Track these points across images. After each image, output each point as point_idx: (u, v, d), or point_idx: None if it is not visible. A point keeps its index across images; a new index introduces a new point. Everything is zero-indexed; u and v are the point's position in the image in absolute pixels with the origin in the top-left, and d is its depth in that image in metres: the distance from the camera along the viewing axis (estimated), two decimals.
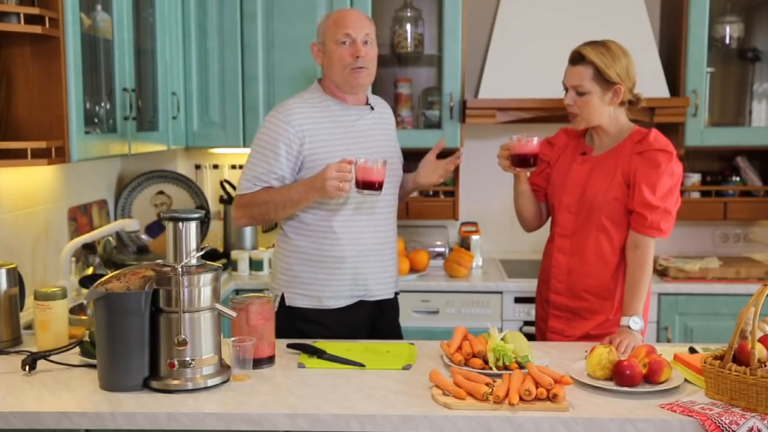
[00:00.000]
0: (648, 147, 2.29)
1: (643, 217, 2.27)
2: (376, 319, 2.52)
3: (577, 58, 2.33)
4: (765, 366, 1.72)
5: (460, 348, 2.03)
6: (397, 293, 2.60)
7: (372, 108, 2.52)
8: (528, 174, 2.45)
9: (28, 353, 2.00)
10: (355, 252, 2.42)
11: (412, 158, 3.75)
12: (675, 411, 1.70)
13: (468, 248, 3.62)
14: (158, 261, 1.92)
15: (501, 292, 3.32)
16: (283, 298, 2.44)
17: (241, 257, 3.46)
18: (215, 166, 3.87)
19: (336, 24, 2.38)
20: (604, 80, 2.29)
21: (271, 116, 2.40)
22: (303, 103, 2.41)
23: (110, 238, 3.12)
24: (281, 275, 2.47)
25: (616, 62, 2.28)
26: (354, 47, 2.36)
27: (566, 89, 2.36)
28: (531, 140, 2.33)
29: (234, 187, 3.75)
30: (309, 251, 2.42)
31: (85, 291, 2.62)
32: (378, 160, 2.19)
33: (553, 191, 2.47)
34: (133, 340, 1.82)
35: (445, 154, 3.75)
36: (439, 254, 3.67)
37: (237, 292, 3.29)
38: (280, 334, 2.28)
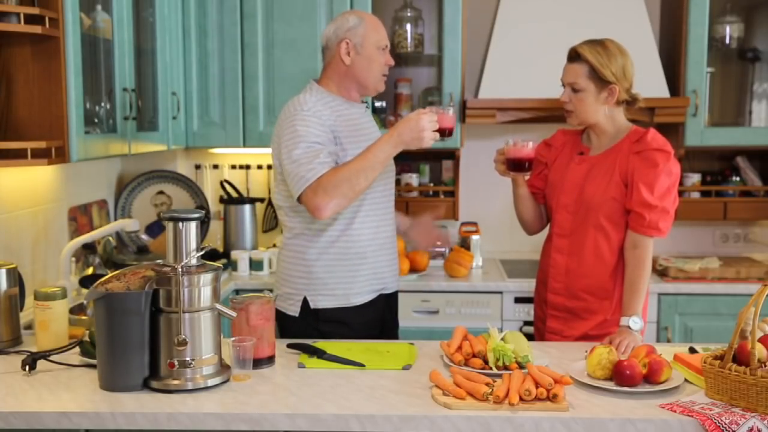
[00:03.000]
0: (646, 146, 2.29)
1: (642, 216, 2.27)
2: (385, 314, 2.54)
3: (573, 56, 2.34)
4: (765, 366, 1.72)
5: (460, 348, 2.03)
6: None
7: (367, 106, 2.56)
8: (526, 177, 2.46)
9: (28, 353, 2.00)
10: (375, 247, 2.44)
11: (411, 158, 3.77)
12: (675, 411, 1.70)
13: (468, 248, 3.62)
14: (158, 261, 1.92)
15: (501, 292, 3.32)
16: (305, 301, 2.42)
17: (241, 257, 3.45)
18: (215, 166, 3.87)
19: (377, 30, 2.43)
20: (599, 79, 2.30)
21: (299, 115, 2.32)
22: (318, 103, 2.38)
23: (110, 238, 3.12)
24: (300, 279, 2.43)
25: (611, 61, 2.28)
26: (389, 55, 2.45)
27: (564, 86, 2.38)
28: (526, 145, 2.35)
29: (234, 187, 3.75)
30: (331, 252, 2.41)
31: (85, 291, 2.62)
32: (449, 108, 2.32)
33: (551, 191, 2.47)
34: (133, 340, 1.82)
35: (444, 154, 3.78)
36: (439, 254, 3.67)
37: (237, 292, 3.29)
38: (302, 337, 2.28)
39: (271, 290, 2.42)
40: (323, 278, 2.41)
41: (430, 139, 2.23)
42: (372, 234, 2.44)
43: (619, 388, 1.82)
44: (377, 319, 2.50)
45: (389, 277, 2.52)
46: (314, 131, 2.30)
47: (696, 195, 3.66)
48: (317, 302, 2.42)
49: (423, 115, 2.22)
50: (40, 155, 2.26)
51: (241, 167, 3.86)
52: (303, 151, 2.27)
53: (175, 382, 1.83)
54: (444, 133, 2.28)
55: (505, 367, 1.92)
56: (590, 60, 2.29)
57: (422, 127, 2.21)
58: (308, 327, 2.40)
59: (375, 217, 2.45)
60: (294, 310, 2.43)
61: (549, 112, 3.34)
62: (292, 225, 2.44)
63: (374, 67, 2.43)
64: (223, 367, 1.91)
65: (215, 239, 3.79)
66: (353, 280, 2.42)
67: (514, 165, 2.38)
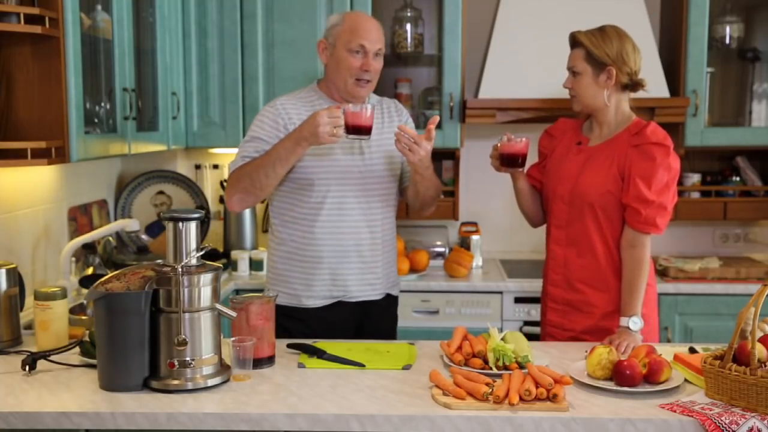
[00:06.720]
0: (644, 140, 2.27)
1: (638, 212, 2.24)
2: (361, 320, 2.50)
3: (571, 42, 2.39)
4: (765, 366, 1.72)
5: (460, 348, 2.03)
6: (390, 294, 2.56)
7: (363, 107, 2.50)
8: (523, 171, 2.45)
9: (28, 353, 2.00)
10: (334, 252, 2.41)
11: None
12: (675, 411, 1.70)
13: (468, 248, 3.62)
14: (158, 261, 1.92)
15: (501, 292, 3.32)
16: None
17: (241, 257, 3.46)
18: (215, 166, 3.87)
19: (352, 31, 2.35)
20: (595, 61, 2.31)
21: (263, 110, 2.45)
22: (294, 100, 2.44)
23: (110, 238, 3.12)
24: (269, 272, 2.53)
25: (606, 43, 2.31)
26: (365, 60, 2.36)
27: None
28: (520, 140, 2.35)
29: None
30: (291, 248, 2.43)
31: (85, 291, 2.62)
32: (366, 106, 2.24)
33: (548, 180, 2.46)
34: (133, 340, 1.82)
35: (444, 154, 3.77)
36: (439, 254, 3.67)
37: (237, 292, 3.29)
38: None
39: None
40: (283, 275, 2.46)
41: (327, 135, 2.18)
42: (333, 240, 2.40)
43: (619, 388, 1.82)
44: (342, 323, 2.45)
45: (354, 287, 2.44)
46: (266, 128, 2.38)
47: (696, 195, 3.66)
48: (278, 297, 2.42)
49: (321, 111, 2.19)
50: (40, 155, 2.26)
51: None
52: (244, 145, 2.39)
53: (175, 382, 1.83)
54: (360, 131, 2.23)
55: (505, 367, 1.92)
56: (585, 43, 2.32)
57: (317, 123, 2.17)
58: None
59: (339, 224, 2.40)
60: None
61: (549, 112, 3.34)
62: (272, 220, 2.51)
63: (342, 69, 2.36)
64: (223, 367, 1.91)
65: (215, 239, 3.78)
66: (307, 282, 2.43)
67: (507, 160, 2.38)
